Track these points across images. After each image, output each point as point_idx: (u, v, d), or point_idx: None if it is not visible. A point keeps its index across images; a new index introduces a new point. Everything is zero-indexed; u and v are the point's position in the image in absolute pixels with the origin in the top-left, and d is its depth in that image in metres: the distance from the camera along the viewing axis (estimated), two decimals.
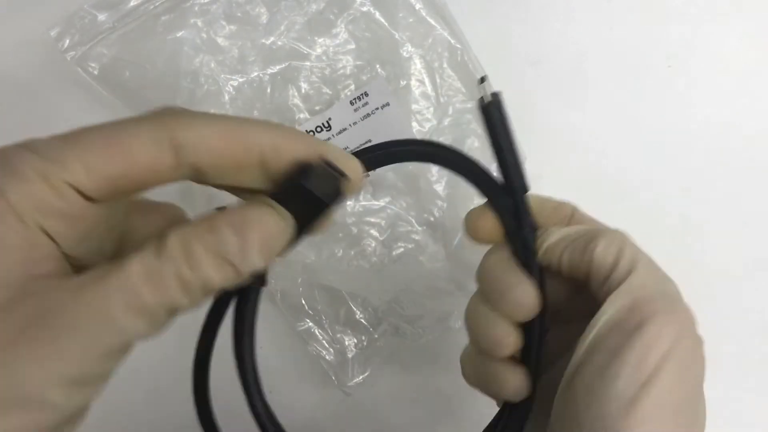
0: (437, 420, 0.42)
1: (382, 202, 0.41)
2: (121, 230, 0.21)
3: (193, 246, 0.18)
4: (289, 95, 0.40)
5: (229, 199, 0.22)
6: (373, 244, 0.41)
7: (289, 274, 0.40)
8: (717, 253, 0.44)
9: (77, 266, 0.20)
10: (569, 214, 0.28)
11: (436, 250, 0.41)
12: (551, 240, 0.26)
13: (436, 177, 0.41)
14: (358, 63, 0.40)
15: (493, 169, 0.27)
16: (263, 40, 0.39)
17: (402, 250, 0.41)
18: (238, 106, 0.39)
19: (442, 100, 0.41)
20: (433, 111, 0.41)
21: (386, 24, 0.40)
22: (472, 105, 0.42)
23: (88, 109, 0.41)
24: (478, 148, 0.41)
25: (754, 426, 0.43)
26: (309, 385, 0.41)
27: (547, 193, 0.29)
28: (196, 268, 0.18)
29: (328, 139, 0.39)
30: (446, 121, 0.41)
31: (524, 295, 0.26)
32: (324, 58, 0.40)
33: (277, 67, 0.40)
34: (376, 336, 0.41)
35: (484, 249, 0.28)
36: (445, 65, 0.41)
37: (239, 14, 0.39)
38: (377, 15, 0.40)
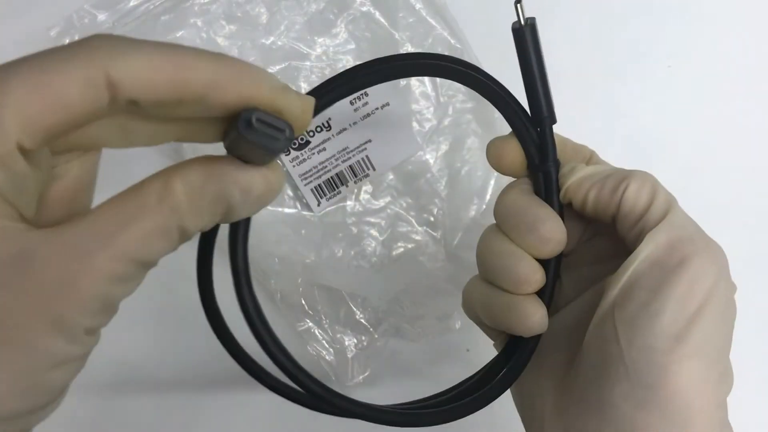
0: None
1: (382, 202, 0.41)
2: (45, 176, 0.20)
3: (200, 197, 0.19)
4: None
5: None
6: (373, 244, 0.41)
7: (289, 274, 0.40)
8: None
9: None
10: (587, 157, 0.28)
11: (436, 250, 0.41)
12: (577, 176, 0.26)
13: (436, 177, 0.41)
14: (358, 63, 0.40)
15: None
16: (263, 40, 0.39)
17: (402, 250, 0.41)
18: None
19: (442, 100, 0.41)
20: (433, 111, 0.41)
21: (386, 24, 0.40)
22: (472, 105, 0.42)
23: None
24: (478, 148, 0.41)
25: (755, 427, 0.43)
26: None
27: None
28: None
29: (328, 139, 0.39)
30: (446, 121, 0.41)
31: (554, 229, 0.25)
32: (324, 58, 0.40)
33: (277, 67, 0.40)
34: (376, 336, 0.41)
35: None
36: None
37: (239, 14, 0.39)
38: (377, 15, 0.40)
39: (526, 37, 0.25)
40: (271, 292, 0.40)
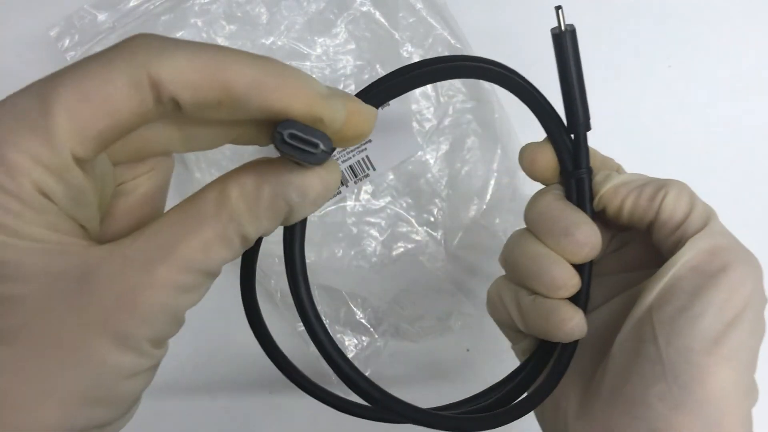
0: None
1: (382, 202, 0.41)
2: (106, 189, 0.20)
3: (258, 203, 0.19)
4: None
5: None
6: (373, 244, 0.41)
7: None
8: None
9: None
10: (615, 169, 0.29)
11: (436, 250, 0.41)
12: (613, 183, 0.26)
13: (436, 177, 0.41)
14: (358, 63, 0.40)
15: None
16: (263, 40, 0.39)
17: (402, 250, 0.41)
18: None
19: (442, 100, 0.41)
20: (433, 111, 0.41)
21: (386, 24, 0.40)
22: (472, 105, 0.42)
23: None
24: (478, 148, 0.41)
25: (755, 427, 0.42)
26: None
27: None
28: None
29: None
30: (446, 121, 0.41)
31: (590, 234, 0.26)
32: (324, 58, 0.40)
33: None
34: (377, 336, 0.41)
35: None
36: None
37: (239, 14, 0.39)
38: (377, 15, 0.40)
39: (566, 43, 0.26)
40: (271, 292, 0.40)
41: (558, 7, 0.25)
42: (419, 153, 0.41)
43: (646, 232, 0.26)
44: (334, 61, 0.40)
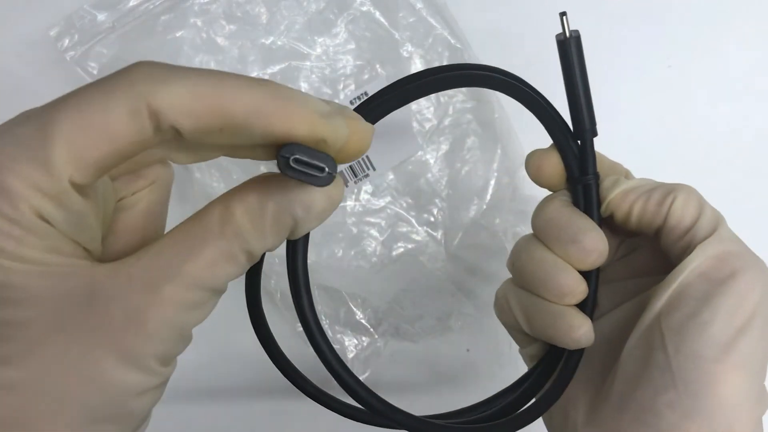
0: None
1: (382, 202, 0.41)
2: (107, 206, 0.20)
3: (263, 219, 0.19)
4: None
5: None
6: (373, 244, 0.41)
7: None
8: None
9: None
10: (623, 174, 0.28)
11: (436, 250, 0.41)
12: (621, 188, 0.26)
13: (436, 177, 0.41)
14: (358, 63, 0.40)
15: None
16: (263, 40, 0.39)
17: (402, 250, 0.41)
18: None
19: (442, 100, 0.41)
20: (433, 111, 0.41)
21: (386, 24, 0.40)
22: (471, 105, 0.42)
23: None
24: (478, 148, 0.41)
25: None
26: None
27: None
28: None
29: None
30: (446, 121, 0.41)
31: (597, 240, 0.26)
32: (324, 57, 0.40)
33: (277, 67, 0.40)
34: (376, 336, 0.41)
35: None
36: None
37: (239, 14, 0.39)
38: (377, 15, 0.40)
39: (571, 50, 0.26)
40: (271, 292, 0.40)
41: (563, 14, 0.25)
42: (419, 153, 0.41)
43: (654, 237, 0.26)
44: (334, 60, 0.40)
